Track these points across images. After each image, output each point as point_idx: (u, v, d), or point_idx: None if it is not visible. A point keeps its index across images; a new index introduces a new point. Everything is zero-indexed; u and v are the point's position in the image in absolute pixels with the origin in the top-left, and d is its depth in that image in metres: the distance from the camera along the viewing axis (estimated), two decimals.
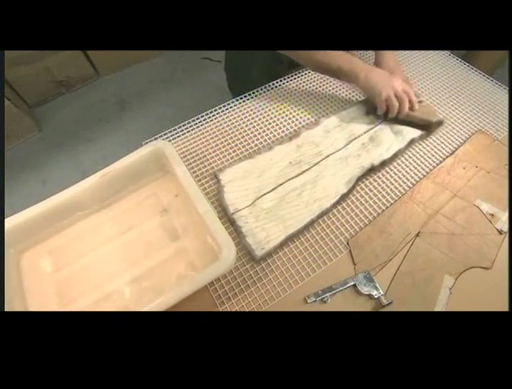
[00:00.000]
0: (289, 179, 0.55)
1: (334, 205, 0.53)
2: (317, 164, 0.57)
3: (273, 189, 0.54)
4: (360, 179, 0.56)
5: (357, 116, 0.65)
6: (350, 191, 0.55)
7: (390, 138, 0.61)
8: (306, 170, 0.56)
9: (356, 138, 0.61)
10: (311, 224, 0.51)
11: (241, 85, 0.69)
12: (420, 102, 0.68)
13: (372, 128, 0.63)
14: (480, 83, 0.74)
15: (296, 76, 0.73)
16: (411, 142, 0.61)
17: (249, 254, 0.48)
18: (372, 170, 0.57)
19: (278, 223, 0.50)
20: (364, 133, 0.62)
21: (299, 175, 0.56)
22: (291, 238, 0.50)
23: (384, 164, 0.58)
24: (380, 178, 0.57)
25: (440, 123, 0.63)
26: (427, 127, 0.62)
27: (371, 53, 0.79)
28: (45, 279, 0.46)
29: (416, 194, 0.55)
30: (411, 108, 0.60)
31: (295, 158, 0.58)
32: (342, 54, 0.60)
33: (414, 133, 0.62)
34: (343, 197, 0.54)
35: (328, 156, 0.58)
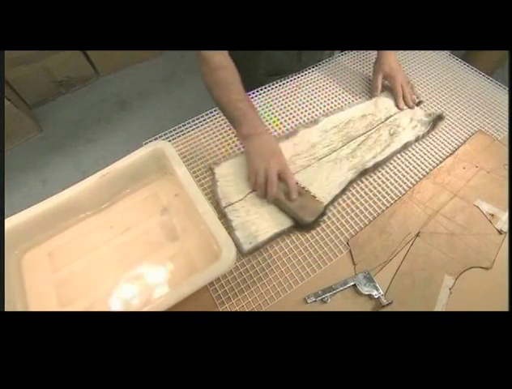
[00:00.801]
0: None
1: (327, 206, 0.53)
2: (310, 165, 0.57)
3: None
4: (353, 182, 0.56)
5: (355, 117, 0.65)
6: (343, 192, 0.55)
7: (386, 140, 0.61)
8: (299, 171, 0.56)
9: (351, 139, 0.61)
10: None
11: None
12: (419, 102, 0.68)
13: (368, 130, 0.63)
14: (480, 83, 0.74)
15: (297, 76, 0.74)
16: (406, 144, 0.61)
17: (236, 248, 0.48)
18: (365, 173, 0.57)
19: (268, 218, 0.50)
20: (360, 135, 0.62)
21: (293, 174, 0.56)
22: (280, 235, 0.50)
23: (377, 165, 0.58)
24: (380, 178, 0.57)
25: (311, 223, 0.50)
26: (300, 223, 0.50)
27: (373, 53, 0.79)
28: (45, 280, 0.46)
29: (415, 194, 0.55)
30: (288, 196, 0.49)
31: (290, 157, 0.58)
32: (239, 100, 0.52)
33: (409, 136, 0.62)
34: (335, 199, 0.54)
35: (322, 157, 0.58)
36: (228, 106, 0.53)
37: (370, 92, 0.70)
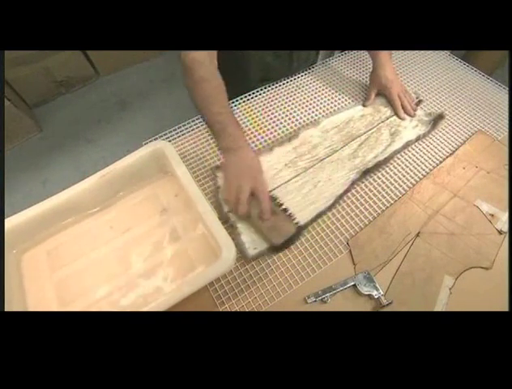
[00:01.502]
0: (285, 182, 0.55)
1: (330, 208, 0.53)
2: (312, 166, 0.57)
3: (269, 191, 0.54)
4: (355, 182, 0.56)
5: (355, 117, 0.65)
6: (345, 193, 0.54)
7: (387, 139, 0.61)
8: (302, 173, 0.56)
9: (353, 139, 0.61)
10: (305, 227, 0.51)
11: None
12: (419, 101, 0.68)
13: (369, 129, 0.63)
14: (480, 83, 0.74)
15: (294, 78, 0.74)
16: (408, 143, 0.61)
17: (241, 253, 0.48)
18: (367, 173, 0.57)
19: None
20: (361, 134, 0.62)
21: (294, 177, 0.56)
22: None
23: (379, 165, 0.58)
24: (380, 178, 0.57)
25: (278, 245, 0.48)
26: (269, 244, 0.48)
27: (368, 55, 0.79)
28: (45, 280, 0.46)
29: (415, 194, 0.55)
30: (262, 216, 0.48)
31: (291, 160, 0.58)
32: (222, 113, 0.50)
33: (410, 135, 0.62)
34: (338, 199, 0.53)
35: (324, 158, 0.58)
36: (209, 119, 0.51)
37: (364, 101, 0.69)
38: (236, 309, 0.44)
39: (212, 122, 0.51)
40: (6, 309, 0.38)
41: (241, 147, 0.50)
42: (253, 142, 0.62)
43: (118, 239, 0.49)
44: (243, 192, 0.47)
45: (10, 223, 0.44)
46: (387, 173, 0.58)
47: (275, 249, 0.48)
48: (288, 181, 0.55)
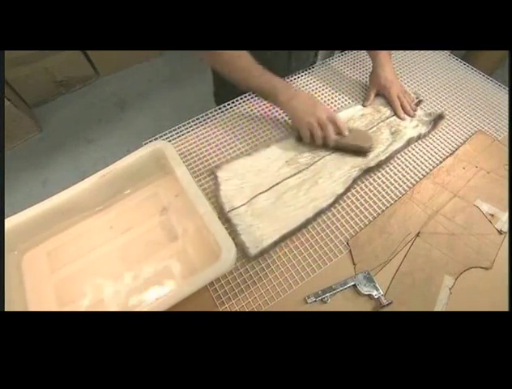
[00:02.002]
0: (286, 178, 0.55)
1: (331, 205, 0.53)
2: (313, 163, 0.57)
3: (269, 188, 0.54)
4: (356, 180, 0.56)
5: (355, 116, 0.65)
6: (346, 191, 0.54)
7: (388, 139, 0.61)
8: (303, 170, 0.56)
9: None
10: (306, 224, 0.51)
11: (226, 92, 0.68)
12: (419, 102, 0.68)
13: (369, 128, 0.63)
14: (480, 83, 0.74)
15: (293, 78, 0.74)
16: (409, 141, 0.61)
17: (242, 252, 0.48)
18: (368, 171, 0.57)
19: (273, 222, 0.50)
20: None
21: (295, 174, 0.56)
22: (286, 238, 0.50)
23: (380, 164, 0.58)
24: (380, 178, 0.57)
25: (370, 148, 0.58)
26: (359, 153, 0.58)
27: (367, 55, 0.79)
28: (45, 280, 0.46)
29: (415, 194, 0.55)
30: (340, 133, 0.56)
31: (292, 157, 0.58)
32: (263, 74, 0.57)
33: (412, 132, 0.62)
34: (339, 197, 0.54)
35: (325, 156, 0.58)
36: (255, 83, 0.57)
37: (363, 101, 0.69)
38: (236, 309, 0.44)
39: (259, 84, 0.57)
40: (6, 309, 0.38)
41: (297, 93, 0.57)
42: (252, 142, 0.62)
43: (118, 239, 0.49)
44: (324, 120, 0.54)
45: (10, 223, 0.44)
46: (387, 173, 0.58)
47: (363, 153, 0.58)
48: (290, 177, 0.55)
